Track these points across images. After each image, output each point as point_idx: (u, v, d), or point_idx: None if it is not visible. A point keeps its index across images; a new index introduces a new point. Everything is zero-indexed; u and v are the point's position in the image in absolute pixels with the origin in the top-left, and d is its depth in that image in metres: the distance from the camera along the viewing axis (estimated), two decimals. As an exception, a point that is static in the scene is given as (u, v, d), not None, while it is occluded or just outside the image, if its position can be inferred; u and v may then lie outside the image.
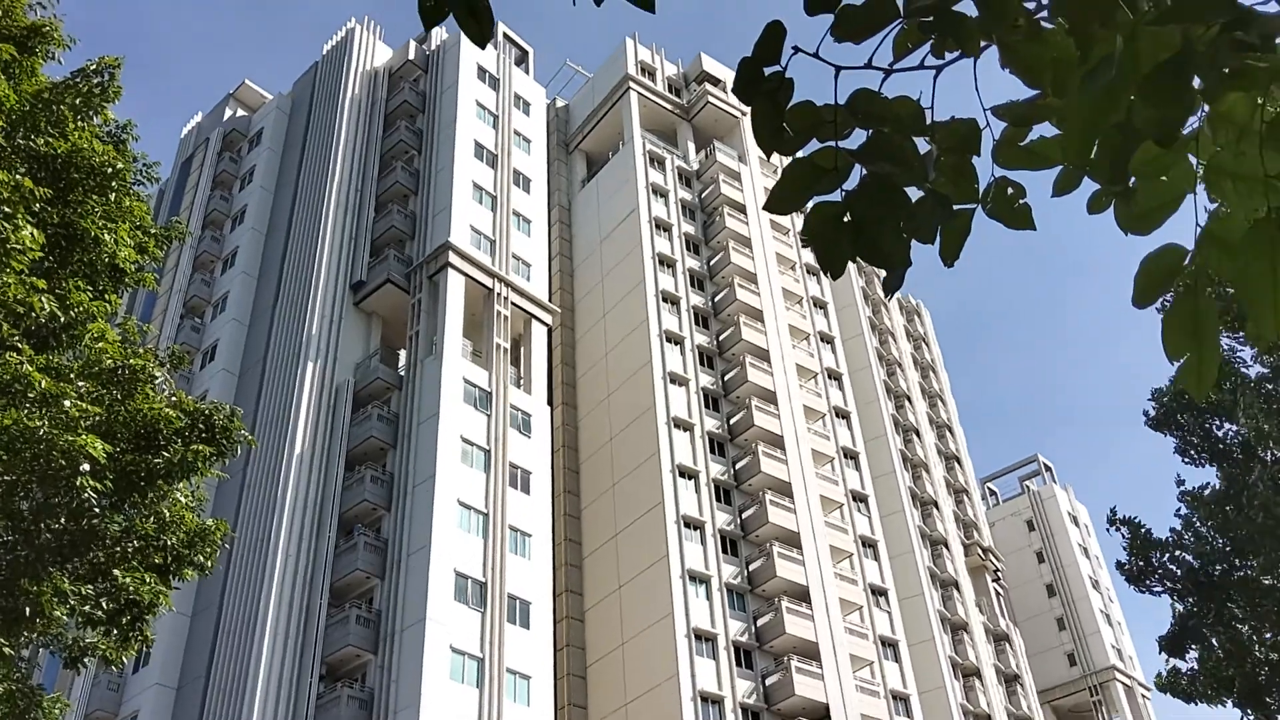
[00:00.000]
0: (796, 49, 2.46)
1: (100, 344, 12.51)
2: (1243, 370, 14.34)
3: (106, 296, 12.85)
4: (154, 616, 12.05)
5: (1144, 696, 70.65)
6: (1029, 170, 2.58)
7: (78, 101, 12.47)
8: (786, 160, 2.57)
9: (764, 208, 2.69)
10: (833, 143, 2.49)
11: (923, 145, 2.53)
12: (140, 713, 37.56)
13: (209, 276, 51.52)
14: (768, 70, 2.49)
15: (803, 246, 63.91)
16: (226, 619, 37.76)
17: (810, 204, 2.65)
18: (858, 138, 2.54)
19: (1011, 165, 2.57)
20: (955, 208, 2.59)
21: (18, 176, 9.99)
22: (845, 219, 2.51)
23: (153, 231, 13.69)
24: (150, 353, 12.85)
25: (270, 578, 36.85)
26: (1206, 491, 14.73)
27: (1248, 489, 13.74)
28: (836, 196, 2.54)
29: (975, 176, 2.56)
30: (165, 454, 11.93)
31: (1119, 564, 15.30)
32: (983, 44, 2.44)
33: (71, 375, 12.09)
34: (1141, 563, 14.59)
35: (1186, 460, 15.08)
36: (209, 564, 12.29)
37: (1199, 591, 14.05)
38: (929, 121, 2.52)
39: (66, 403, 11.17)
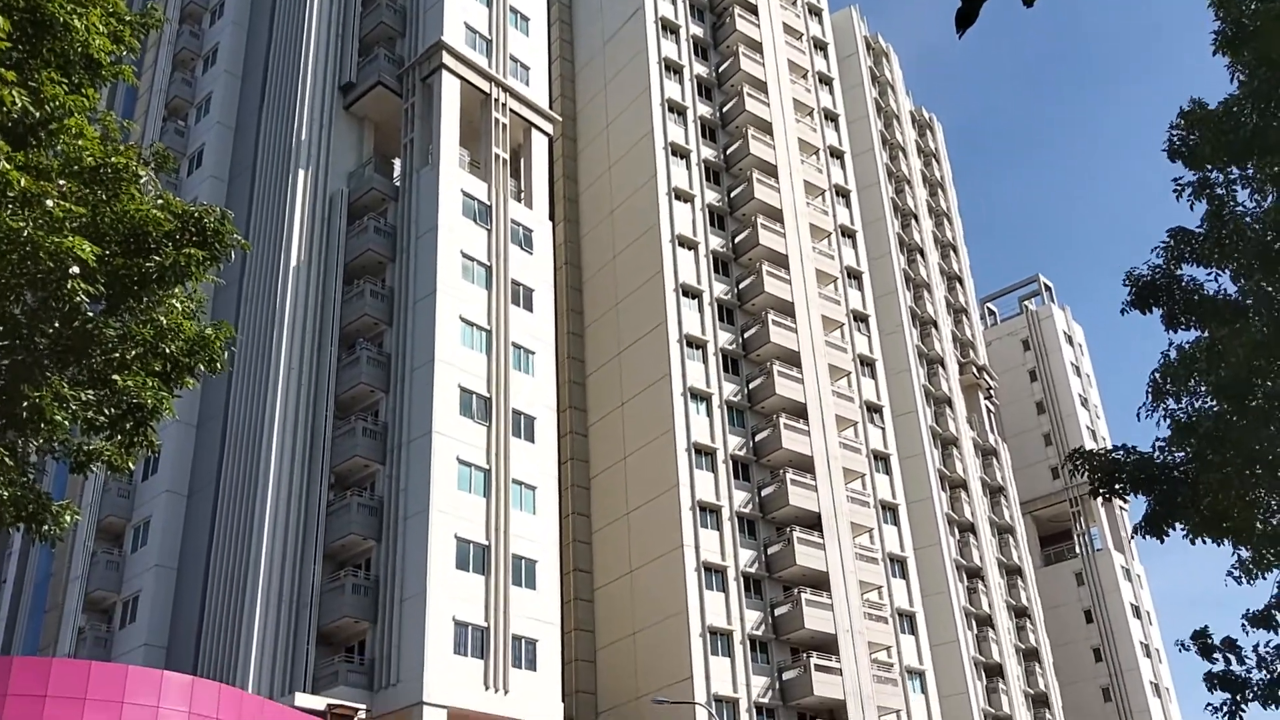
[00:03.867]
0: None
1: (80, 141, 11.77)
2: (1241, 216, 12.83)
3: (83, 90, 12.10)
4: (158, 422, 11.91)
5: (1122, 509, 72.97)
6: None
7: None
8: None
9: None
10: None
11: None
12: (152, 519, 38.54)
13: (190, 76, 48.85)
14: None
15: None
16: (232, 429, 38.11)
17: None
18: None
19: None
20: None
21: None
22: None
23: (128, 19, 12.78)
24: (133, 150, 12.04)
25: (274, 389, 36.89)
26: (1187, 346, 13.17)
27: (1232, 336, 12.30)
28: None
29: None
30: (156, 258, 11.42)
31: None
32: None
33: (52, 174, 11.38)
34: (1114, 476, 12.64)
35: (1175, 331, 13.34)
36: (218, 366, 11.95)
37: (1186, 441, 12.51)
38: None
39: (49, 203, 10.71)
